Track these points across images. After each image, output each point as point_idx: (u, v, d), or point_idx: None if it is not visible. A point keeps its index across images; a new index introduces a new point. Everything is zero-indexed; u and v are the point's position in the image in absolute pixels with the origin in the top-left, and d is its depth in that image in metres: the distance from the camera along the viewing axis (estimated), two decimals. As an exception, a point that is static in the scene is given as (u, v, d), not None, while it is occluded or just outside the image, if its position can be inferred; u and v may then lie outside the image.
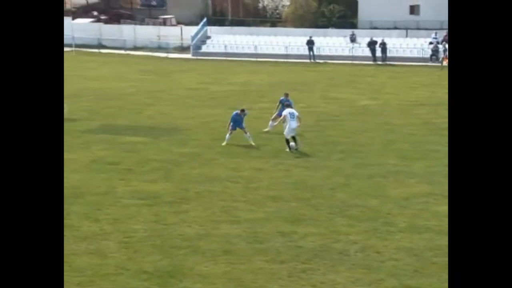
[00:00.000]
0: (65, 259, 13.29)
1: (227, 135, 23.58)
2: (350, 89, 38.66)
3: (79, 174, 19.74)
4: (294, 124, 22.55)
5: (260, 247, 14.01)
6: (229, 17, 73.10)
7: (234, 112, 23.89)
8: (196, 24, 63.46)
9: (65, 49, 59.66)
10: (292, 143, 22.57)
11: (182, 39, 62.70)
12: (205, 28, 62.33)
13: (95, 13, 73.92)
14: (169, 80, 43.00)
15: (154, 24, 67.95)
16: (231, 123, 23.60)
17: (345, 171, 20.10)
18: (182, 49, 61.40)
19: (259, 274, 12.70)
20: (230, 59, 55.42)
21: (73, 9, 78.20)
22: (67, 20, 67.23)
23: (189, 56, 58.63)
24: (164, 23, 67.82)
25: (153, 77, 44.54)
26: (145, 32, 64.22)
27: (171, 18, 68.97)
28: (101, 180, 19.06)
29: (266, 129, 25.51)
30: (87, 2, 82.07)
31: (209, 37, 61.80)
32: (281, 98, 25.95)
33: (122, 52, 59.97)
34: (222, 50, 58.29)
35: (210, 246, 14.04)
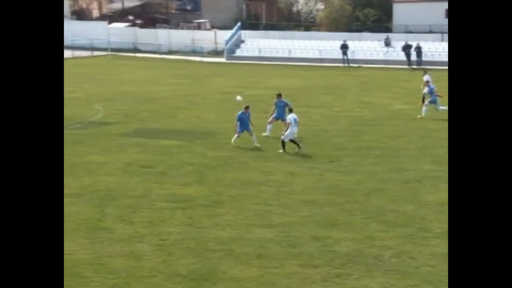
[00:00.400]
0: (100, 261, 13.43)
1: (235, 136, 23.95)
2: (384, 94, 38.42)
3: (114, 177, 19.92)
4: (295, 129, 23.22)
5: (294, 251, 13.98)
6: (263, 21, 73.20)
7: (240, 112, 24.16)
8: (230, 28, 63.70)
9: (101, 53, 60.45)
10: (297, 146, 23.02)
11: (216, 43, 62.97)
12: (239, 32, 62.51)
13: (131, 17, 74.64)
14: (203, 84, 43.20)
15: (188, 28, 68.37)
16: (238, 124, 23.91)
17: (380, 176, 19.96)
18: (216, 53, 61.67)
19: (292, 279, 12.66)
20: (263, 63, 55.50)
21: (110, 14, 79.09)
22: (103, 25, 68.06)
23: (223, 60, 58.85)
24: (199, 27, 68.20)
25: (187, 81, 44.80)
26: (180, 36, 64.66)
27: (205, 22, 69.34)
28: (136, 183, 19.21)
29: (265, 134, 25.39)
30: (123, 6, 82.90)
31: (243, 41, 61.98)
32: (275, 100, 25.91)
33: (157, 56, 60.42)
34: (256, 54, 58.42)
35: (244, 250, 14.05)
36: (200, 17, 72.52)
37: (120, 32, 66.56)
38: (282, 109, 25.45)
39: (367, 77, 46.67)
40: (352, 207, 16.98)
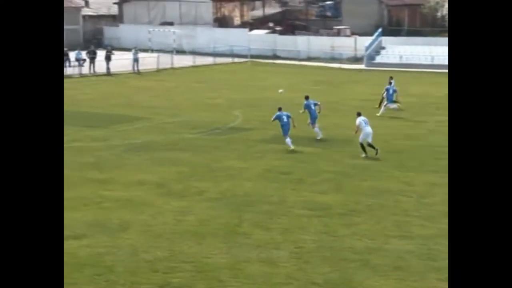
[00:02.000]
0: (237, 266, 13.66)
1: (288, 140, 24.58)
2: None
3: (252, 182, 20.23)
4: (369, 129, 23.46)
5: (434, 265, 13.59)
6: (405, 27, 71.90)
7: (278, 113, 24.97)
8: (371, 34, 63.04)
9: (241, 60, 61.67)
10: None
11: (355, 49, 62.53)
12: (379, 39, 61.77)
13: (271, 24, 75.68)
14: (342, 91, 43.02)
15: (328, 35, 68.35)
16: (282, 129, 24.71)
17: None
18: (356, 59, 61.23)
19: (431, 293, 12.32)
20: (405, 70, 54.47)
21: (251, 21, 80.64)
22: (244, 32, 69.44)
23: (362, 67, 58.35)
24: (339, 33, 68.02)
25: (326, 87, 44.77)
26: (319, 43, 64.76)
27: (345, 28, 69.05)
28: (273, 190, 19.42)
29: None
30: (264, 13, 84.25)
31: (383, 48, 61.16)
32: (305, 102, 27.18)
33: (296, 62, 60.87)
34: (396, 61, 57.44)
35: (381, 261, 13.83)
36: (340, 23, 72.32)
37: (260, 39, 67.66)
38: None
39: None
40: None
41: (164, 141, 26.18)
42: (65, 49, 52.29)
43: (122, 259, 14.06)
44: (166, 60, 54.23)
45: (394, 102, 33.28)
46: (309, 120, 26.81)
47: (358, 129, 23.61)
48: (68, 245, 15.01)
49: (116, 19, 75.30)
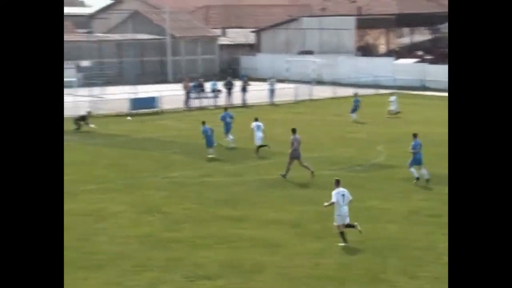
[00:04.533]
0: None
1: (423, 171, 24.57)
2: None
3: (396, 225, 19.86)
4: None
5: None
6: None
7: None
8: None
9: (386, 91, 61.06)
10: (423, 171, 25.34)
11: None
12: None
13: (420, 52, 74.67)
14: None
15: (483, 64, 66.54)
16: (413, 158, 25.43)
17: None
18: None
19: None
20: None
21: (397, 49, 79.98)
22: (389, 61, 68.89)
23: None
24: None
25: (481, 122, 43.43)
26: (473, 73, 63.12)
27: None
28: (420, 234, 18.95)
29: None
30: (412, 41, 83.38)
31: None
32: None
33: (447, 94, 59.57)
34: None
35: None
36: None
37: (407, 68, 66.86)
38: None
39: None
40: None
41: (301, 177, 26.27)
42: (200, 79, 54.15)
43: (256, 303, 14.14)
44: (304, 91, 54.66)
45: None
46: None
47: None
48: (201, 285, 15.31)
49: (253, 48, 77.02)
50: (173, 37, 69.27)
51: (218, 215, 20.94)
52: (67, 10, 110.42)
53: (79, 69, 59.22)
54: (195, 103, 50.18)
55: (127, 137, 36.01)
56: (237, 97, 51.14)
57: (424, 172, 25.52)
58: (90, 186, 24.92)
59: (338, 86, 59.84)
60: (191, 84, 51.06)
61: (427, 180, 25.19)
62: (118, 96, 46.71)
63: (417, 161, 25.74)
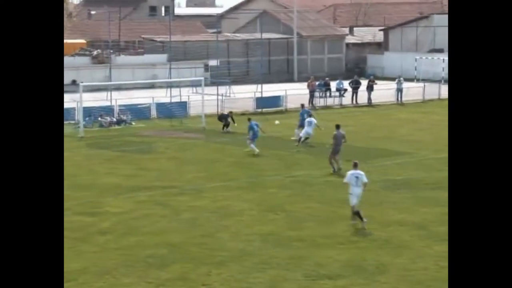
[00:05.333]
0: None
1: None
2: None
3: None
4: None
5: None
6: None
7: None
8: None
9: None
10: None
11: None
12: None
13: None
14: None
15: None
16: None
17: None
18: None
19: None
20: None
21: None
22: None
23: None
24: None
25: None
26: None
27: None
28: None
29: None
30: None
31: None
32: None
33: None
34: None
35: None
36: None
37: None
38: None
39: None
40: None
41: (427, 178, 25.83)
42: (326, 78, 54.12)
43: (377, 305, 14.07)
44: (433, 91, 53.60)
45: None
46: None
47: None
48: (323, 285, 15.39)
49: (381, 47, 76.21)
50: (300, 36, 69.59)
51: (341, 215, 20.92)
52: (198, 10, 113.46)
53: (207, 68, 60.49)
54: (320, 102, 50.24)
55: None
56: (362, 96, 50.78)
57: None
58: (215, 183, 25.48)
59: (469, 85, 58.26)
60: (317, 83, 51.13)
61: None
62: (244, 95, 47.41)
63: None
